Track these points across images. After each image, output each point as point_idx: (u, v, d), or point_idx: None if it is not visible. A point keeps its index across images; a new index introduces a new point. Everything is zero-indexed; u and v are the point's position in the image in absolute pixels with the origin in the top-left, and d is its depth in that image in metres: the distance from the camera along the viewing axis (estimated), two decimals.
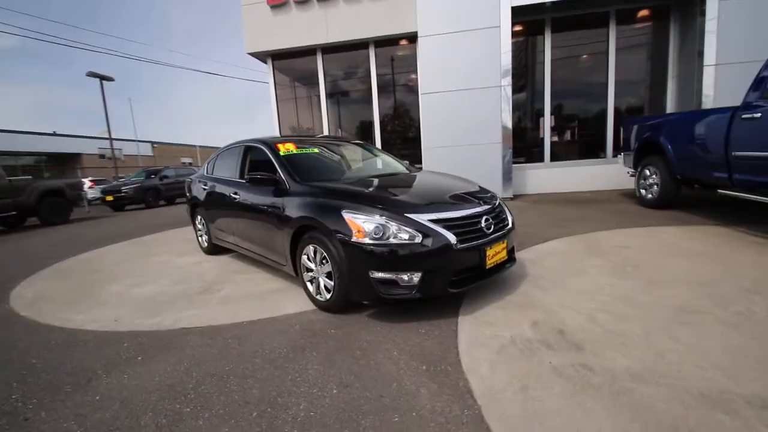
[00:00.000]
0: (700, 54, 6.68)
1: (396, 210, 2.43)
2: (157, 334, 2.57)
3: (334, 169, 3.62)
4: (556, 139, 8.22)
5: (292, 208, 2.87)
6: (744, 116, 3.87)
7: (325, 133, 8.80)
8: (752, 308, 2.33)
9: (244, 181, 3.62)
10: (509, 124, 7.35)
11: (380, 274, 2.30)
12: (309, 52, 8.59)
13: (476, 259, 2.45)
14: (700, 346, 1.96)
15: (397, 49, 8.38)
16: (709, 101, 6.64)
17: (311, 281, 2.81)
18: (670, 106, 7.60)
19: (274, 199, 3.10)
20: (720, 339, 2.01)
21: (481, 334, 2.23)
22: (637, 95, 8.05)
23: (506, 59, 7.13)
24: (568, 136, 8.32)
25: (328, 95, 8.78)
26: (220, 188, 4.04)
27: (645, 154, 5.75)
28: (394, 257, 2.28)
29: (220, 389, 1.87)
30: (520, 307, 2.57)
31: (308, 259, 2.77)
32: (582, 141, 8.26)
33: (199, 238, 4.81)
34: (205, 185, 4.37)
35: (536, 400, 1.63)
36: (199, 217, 4.68)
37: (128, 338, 2.53)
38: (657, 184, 5.48)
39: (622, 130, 6.43)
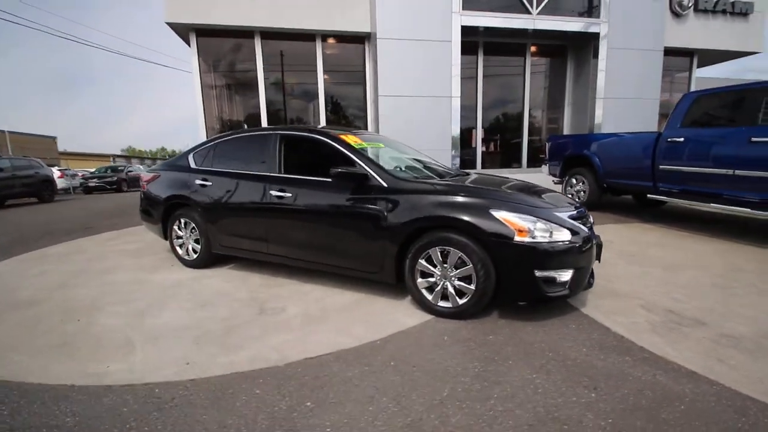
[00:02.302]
0: (593, 88, 8.49)
1: (543, 209, 2.45)
2: (279, 371, 1.97)
3: (409, 166, 3.35)
4: (484, 149, 9.23)
5: (404, 207, 2.57)
6: (669, 139, 5.13)
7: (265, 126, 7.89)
8: (753, 282, 3.14)
9: (299, 177, 3.06)
10: (458, 133, 7.94)
11: (544, 273, 2.29)
12: (246, 33, 7.60)
13: (596, 253, 2.66)
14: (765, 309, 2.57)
15: (346, 46, 8.14)
16: (599, 127, 8.49)
17: (429, 288, 2.57)
18: (567, 128, 9.40)
19: (364, 197, 2.71)
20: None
21: (623, 322, 2.43)
22: (543, 116, 9.69)
23: (456, 71, 7.70)
24: (492, 147, 9.44)
25: (268, 86, 7.90)
26: (240, 185, 3.27)
27: (572, 166, 6.99)
28: (556, 255, 2.30)
29: (488, 419, 1.58)
30: (614, 296, 2.87)
31: (429, 263, 2.53)
32: (503, 152, 9.49)
33: (179, 248, 3.77)
34: (205, 181, 3.47)
35: (743, 367, 1.90)
36: (183, 222, 3.66)
37: (245, 382, 1.87)
38: (584, 191, 6.72)
39: (547, 144, 7.65)
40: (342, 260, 2.89)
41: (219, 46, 7.78)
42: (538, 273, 2.28)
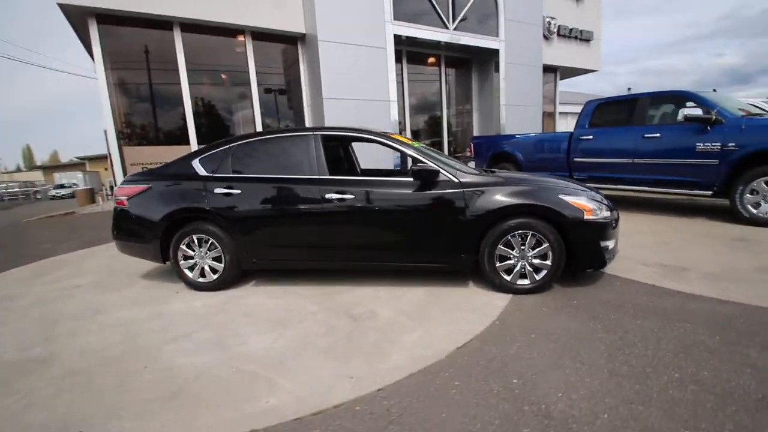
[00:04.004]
0: (497, 96, 9.93)
1: (588, 191, 2.97)
2: (448, 364, 2.01)
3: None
4: None
5: (481, 199, 2.80)
6: (581, 137, 6.47)
7: (192, 136, 6.94)
8: (679, 237, 4.32)
9: (362, 178, 3.05)
10: (397, 134, 8.34)
11: (605, 243, 2.80)
12: (162, 24, 6.57)
13: None
14: (719, 256, 3.60)
15: (278, 46, 7.74)
16: (503, 128, 9.96)
17: (508, 271, 2.86)
18: (476, 130, 10.73)
19: (440, 192, 2.85)
20: (713, 251, 3.75)
21: (643, 275, 3.12)
22: (457, 119, 10.84)
23: (392, 77, 8.10)
24: None
25: (192, 87, 6.97)
26: (283, 190, 3.01)
27: (498, 161, 8.11)
28: (609, 228, 2.84)
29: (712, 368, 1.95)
30: (619, 259, 3.56)
31: (508, 247, 2.82)
32: None
33: (187, 271, 3.19)
34: (230, 189, 3.04)
35: (741, 291, 2.71)
36: (195, 239, 3.13)
37: (432, 380, 1.86)
38: None
39: (472, 144, 8.68)
40: (418, 255, 2.95)
41: (129, 37, 6.52)
42: (602, 244, 2.79)
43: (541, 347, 2.11)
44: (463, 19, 9.00)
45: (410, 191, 2.89)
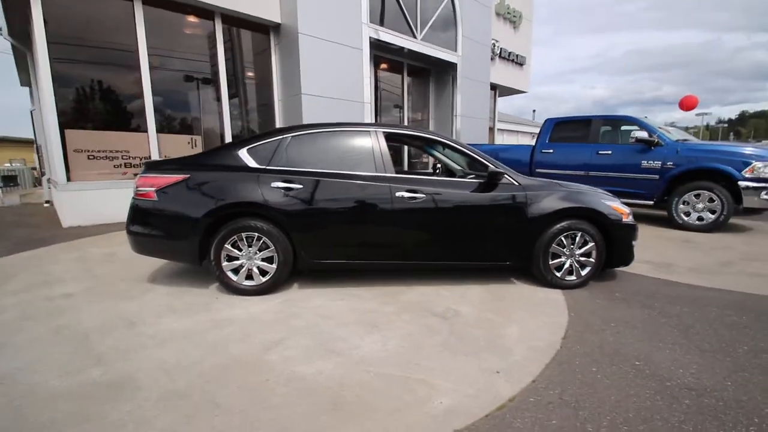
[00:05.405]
0: (453, 107, 10.55)
1: (614, 196, 3.41)
2: (569, 354, 2.17)
3: None
4: None
5: (542, 201, 3.04)
6: (543, 151, 7.26)
7: (151, 123, 6.05)
8: (659, 243, 5.14)
9: (436, 178, 3.14)
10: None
11: (634, 242, 3.25)
12: None
13: None
14: (682, 254, 4.39)
15: (248, 34, 7.18)
16: (460, 137, 10.62)
17: (558, 268, 3.14)
18: None
19: (506, 194, 3.02)
20: (673, 251, 4.55)
21: (653, 272, 3.68)
22: (415, 125, 11.20)
23: (367, 80, 8.10)
24: None
25: (153, 71, 6.08)
26: (350, 187, 2.87)
27: None
28: (636, 229, 3.29)
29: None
30: None
31: (559, 245, 3.10)
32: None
33: (231, 273, 2.85)
34: (289, 183, 2.80)
35: (719, 281, 3.39)
36: (245, 237, 2.81)
37: (577, 368, 2.00)
38: None
39: None
40: (484, 254, 3.07)
41: (80, 5, 5.43)
42: (632, 243, 3.23)
43: (628, 333, 2.40)
44: (428, 31, 9.40)
45: (477, 192, 3.01)
